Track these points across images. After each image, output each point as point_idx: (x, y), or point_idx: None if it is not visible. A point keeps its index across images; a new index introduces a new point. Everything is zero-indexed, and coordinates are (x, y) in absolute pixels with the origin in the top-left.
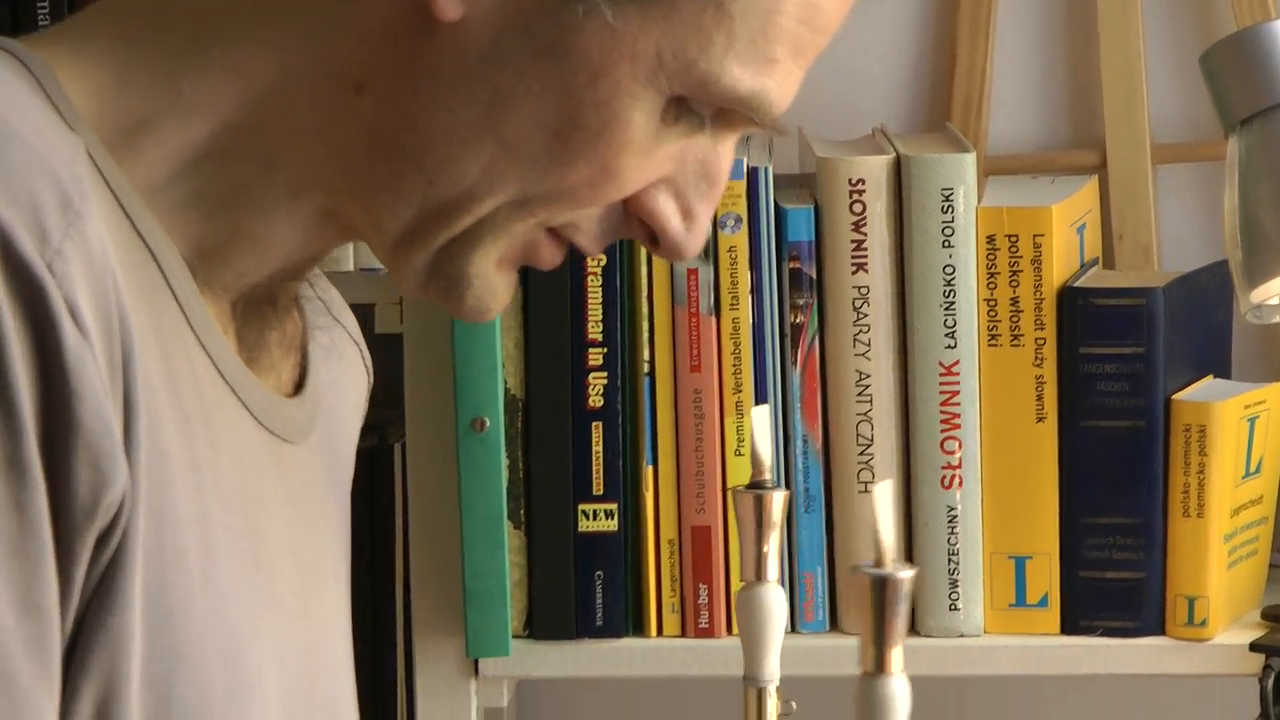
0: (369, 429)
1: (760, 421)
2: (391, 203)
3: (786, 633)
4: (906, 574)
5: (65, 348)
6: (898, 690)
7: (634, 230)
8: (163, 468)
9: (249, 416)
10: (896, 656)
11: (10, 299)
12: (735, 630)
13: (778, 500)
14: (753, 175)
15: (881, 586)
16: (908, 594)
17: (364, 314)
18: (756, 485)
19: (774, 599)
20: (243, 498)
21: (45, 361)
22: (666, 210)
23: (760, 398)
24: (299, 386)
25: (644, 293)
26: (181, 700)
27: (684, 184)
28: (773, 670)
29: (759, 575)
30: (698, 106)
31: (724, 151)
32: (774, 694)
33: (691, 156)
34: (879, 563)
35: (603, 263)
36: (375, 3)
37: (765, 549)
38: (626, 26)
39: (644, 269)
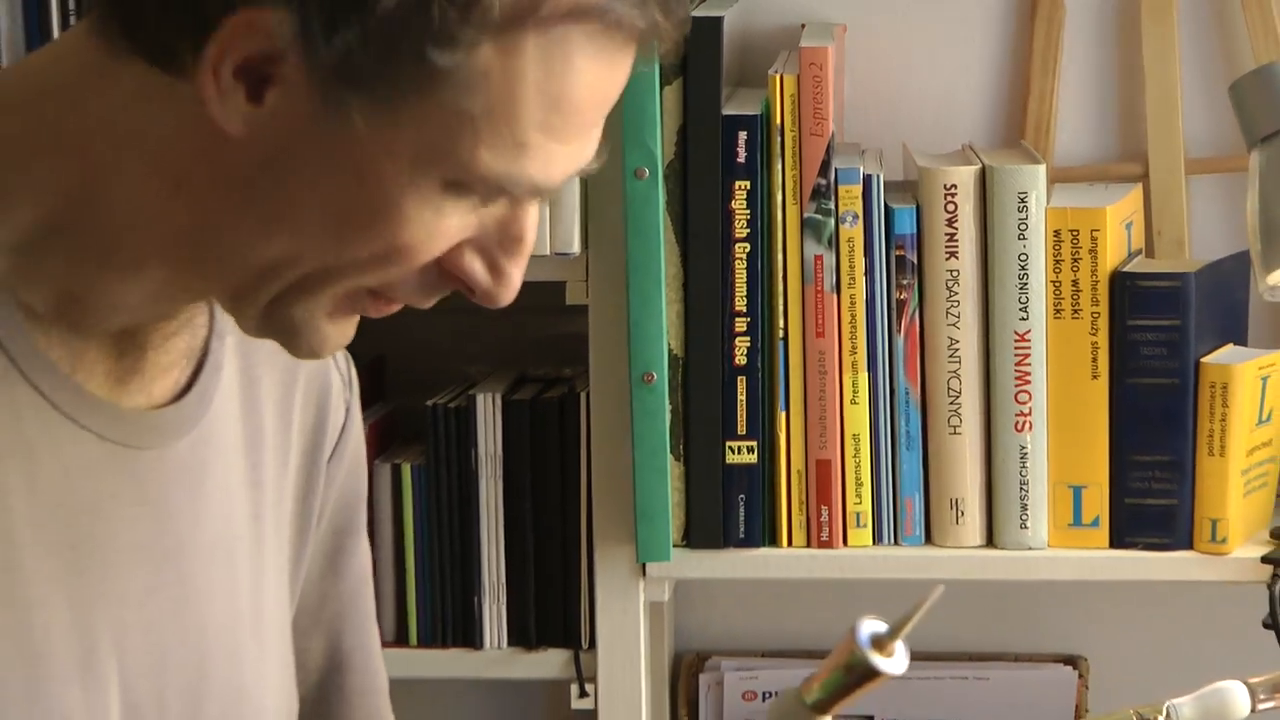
0: (558, 381)
1: None
2: (217, 274)
3: (889, 544)
4: (891, 670)
5: None
6: None
7: (451, 284)
8: None
9: (88, 434)
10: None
11: None
12: (850, 542)
13: None
14: (867, 181)
15: (868, 673)
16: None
17: (556, 289)
18: None
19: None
20: (69, 509)
21: None
22: (474, 268)
23: (871, 362)
24: (181, 398)
25: (780, 274)
26: None
27: (488, 244)
28: None
29: None
30: (473, 185)
31: (522, 214)
32: None
33: (491, 221)
34: (882, 646)
35: (747, 250)
36: (183, 114)
37: None
38: (380, 133)
39: (780, 255)
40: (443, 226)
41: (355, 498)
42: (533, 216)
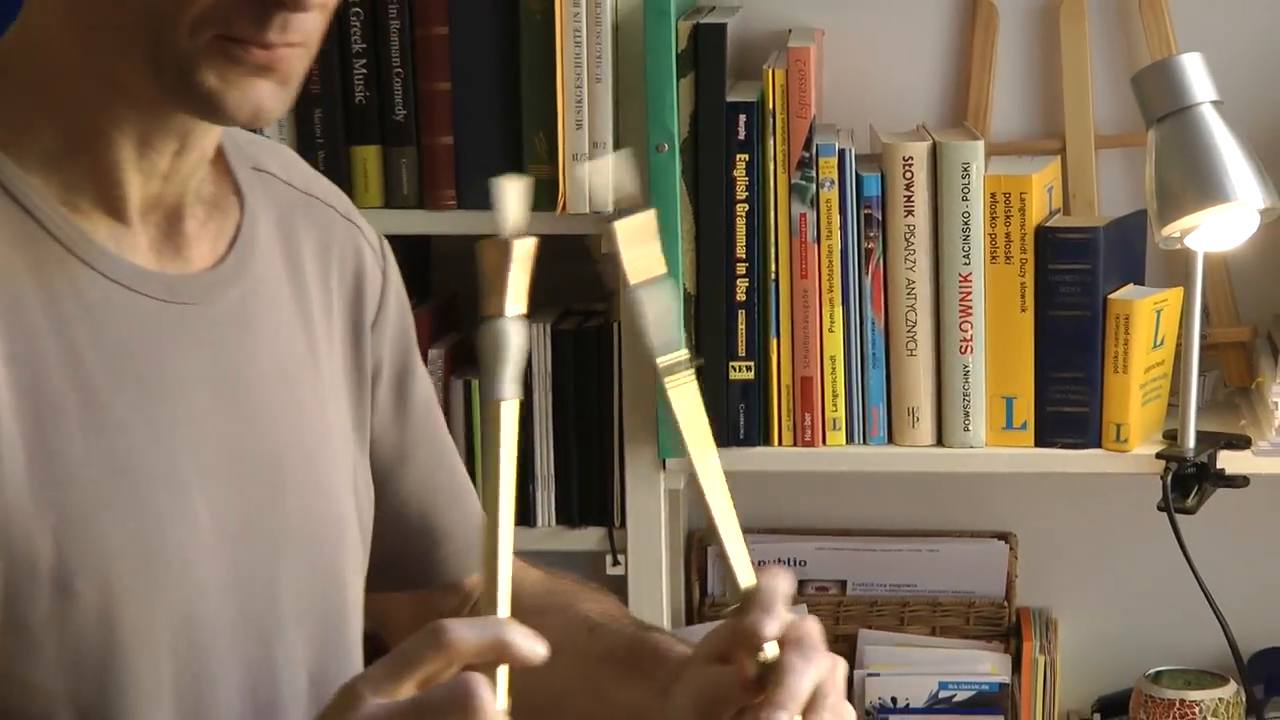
0: (596, 314)
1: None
2: (120, 57)
3: (857, 444)
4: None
5: None
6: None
7: (271, 5)
8: (35, 361)
9: (141, 297)
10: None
11: None
12: (828, 442)
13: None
14: (841, 155)
15: (506, 249)
16: (521, 257)
17: (594, 241)
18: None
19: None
20: (132, 354)
21: None
22: None
23: (845, 299)
24: (222, 260)
25: (772, 228)
26: (76, 508)
27: None
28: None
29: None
30: None
31: None
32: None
33: None
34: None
35: (746, 209)
36: None
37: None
38: None
39: (772, 213)
40: None
41: (407, 344)
42: None
